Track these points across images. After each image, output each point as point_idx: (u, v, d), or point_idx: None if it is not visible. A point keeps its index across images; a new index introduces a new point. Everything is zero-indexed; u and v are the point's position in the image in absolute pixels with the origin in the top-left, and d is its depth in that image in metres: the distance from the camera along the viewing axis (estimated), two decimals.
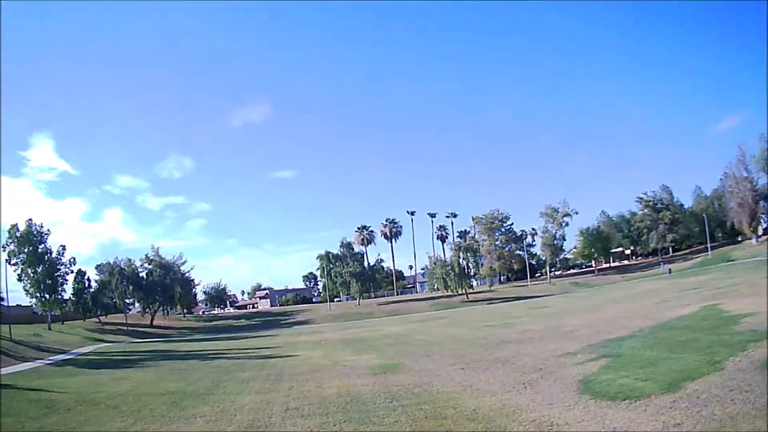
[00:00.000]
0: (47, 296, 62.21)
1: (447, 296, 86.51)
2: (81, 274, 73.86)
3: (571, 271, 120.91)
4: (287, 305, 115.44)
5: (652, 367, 12.26)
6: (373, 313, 78.55)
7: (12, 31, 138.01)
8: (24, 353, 35.02)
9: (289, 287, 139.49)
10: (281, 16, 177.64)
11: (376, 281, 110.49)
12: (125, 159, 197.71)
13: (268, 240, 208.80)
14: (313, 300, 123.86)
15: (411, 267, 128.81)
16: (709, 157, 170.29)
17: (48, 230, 62.83)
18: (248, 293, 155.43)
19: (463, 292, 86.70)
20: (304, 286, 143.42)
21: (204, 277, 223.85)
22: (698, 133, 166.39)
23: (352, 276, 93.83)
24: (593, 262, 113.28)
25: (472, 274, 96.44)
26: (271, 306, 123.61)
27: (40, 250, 61.44)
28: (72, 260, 66.96)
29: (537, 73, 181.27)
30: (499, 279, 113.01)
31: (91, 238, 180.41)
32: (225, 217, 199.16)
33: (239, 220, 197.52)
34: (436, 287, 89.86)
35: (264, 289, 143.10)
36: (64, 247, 65.25)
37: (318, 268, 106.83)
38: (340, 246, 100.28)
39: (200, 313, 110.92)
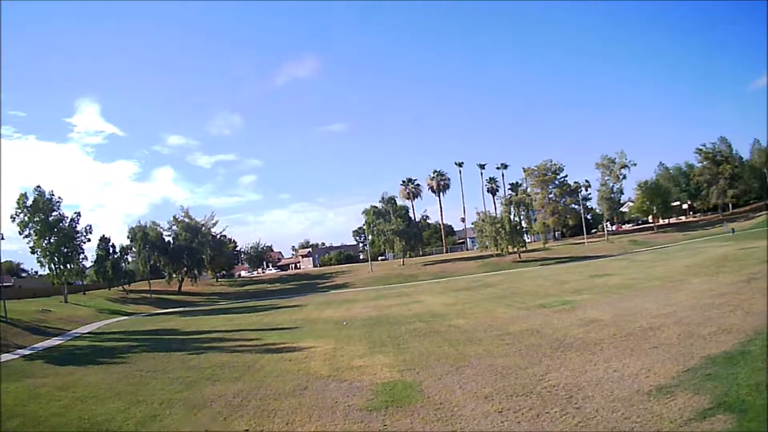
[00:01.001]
0: (62, 267, 59.95)
1: (497, 255, 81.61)
2: (105, 240, 72.94)
3: (628, 226, 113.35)
4: (329, 265, 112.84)
5: None
6: (417, 275, 75.03)
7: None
8: (9, 339, 30.92)
9: (334, 244, 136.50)
10: None
11: (422, 238, 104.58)
12: (173, 119, 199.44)
13: (322, 193, 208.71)
14: (360, 258, 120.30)
15: (462, 220, 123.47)
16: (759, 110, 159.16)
17: (60, 197, 59.78)
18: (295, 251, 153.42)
19: (515, 251, 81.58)
20: (355, 242, 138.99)
21: (258, 233, 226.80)
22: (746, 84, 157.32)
23: (395, 234, 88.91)
24: (650, 217, 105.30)
25: (524, 229, 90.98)
26: (313, 266, 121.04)
27: (51, 219, 58.46)
28: (88, 227, 63.62)
29: (593, 20, 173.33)
30: (554, 235, 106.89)
31: (141, 198, 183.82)
32: (277, 172, 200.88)
33: (292, 174, 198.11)
34: (486, 245, 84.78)
35: (307, 247, 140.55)
36: (79, 214, 62.62)
37: (364, 223, 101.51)
38: (381, 201, 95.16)
39: (237, 275, 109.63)
